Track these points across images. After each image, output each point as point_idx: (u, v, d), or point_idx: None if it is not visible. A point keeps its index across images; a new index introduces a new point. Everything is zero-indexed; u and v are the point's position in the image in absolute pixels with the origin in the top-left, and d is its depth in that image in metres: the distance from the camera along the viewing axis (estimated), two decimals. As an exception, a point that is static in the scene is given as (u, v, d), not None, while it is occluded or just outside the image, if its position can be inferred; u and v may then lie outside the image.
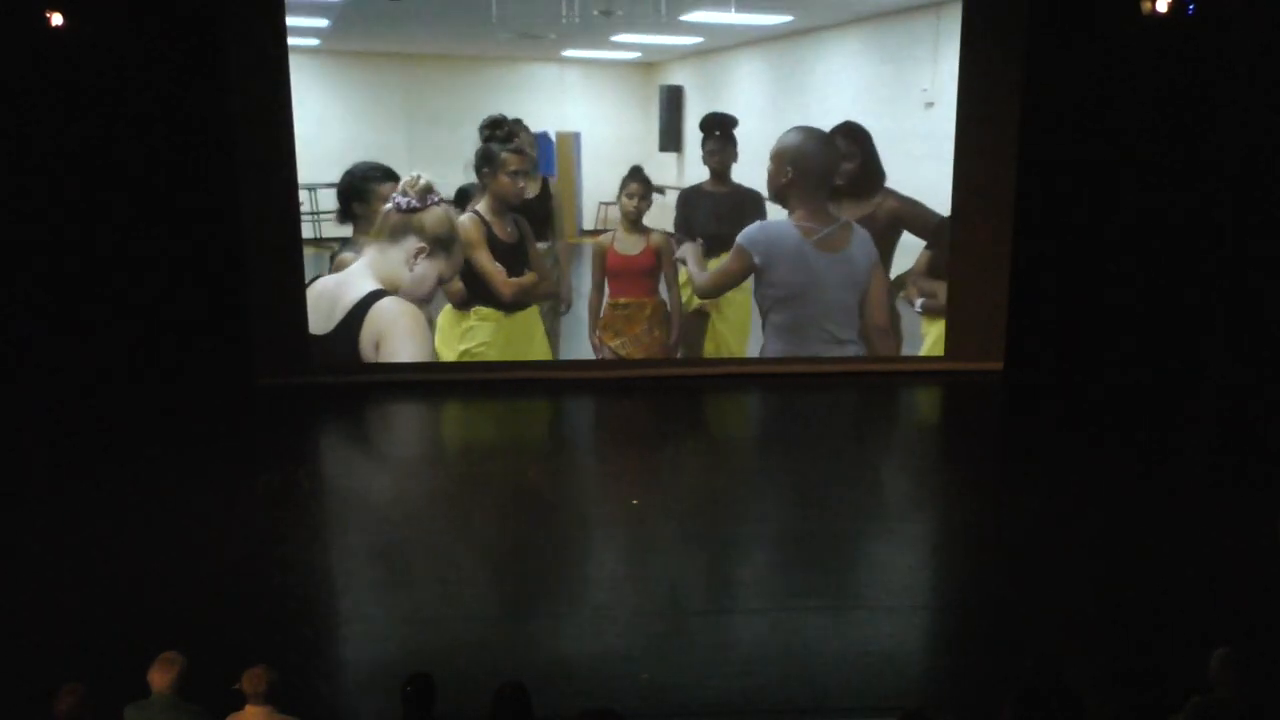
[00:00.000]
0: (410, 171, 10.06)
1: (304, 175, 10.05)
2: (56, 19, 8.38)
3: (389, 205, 10.08)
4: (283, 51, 9.72)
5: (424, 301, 10.30)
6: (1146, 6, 8.66)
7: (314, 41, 10.13)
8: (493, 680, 4.12)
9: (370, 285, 10.16)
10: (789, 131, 10.39)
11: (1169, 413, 9.13)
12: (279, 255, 9.99)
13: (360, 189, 10.12)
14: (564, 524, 7.35)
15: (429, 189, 10.08)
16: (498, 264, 10.29)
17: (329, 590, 6.58)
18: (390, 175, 10.09)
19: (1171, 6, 8.55)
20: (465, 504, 7.80)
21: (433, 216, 10.12)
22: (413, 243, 10.10)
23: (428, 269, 10.16)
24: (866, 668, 5.50)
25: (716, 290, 10.67)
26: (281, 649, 5.36)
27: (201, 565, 6.59)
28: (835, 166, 10.43)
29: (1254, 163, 8.87)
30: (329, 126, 10.07)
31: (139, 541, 6.93)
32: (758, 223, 10.48)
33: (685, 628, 5.95)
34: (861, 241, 10.54)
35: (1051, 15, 9.86)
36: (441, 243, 10.17)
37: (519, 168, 10.16)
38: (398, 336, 10.30)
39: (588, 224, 10.64)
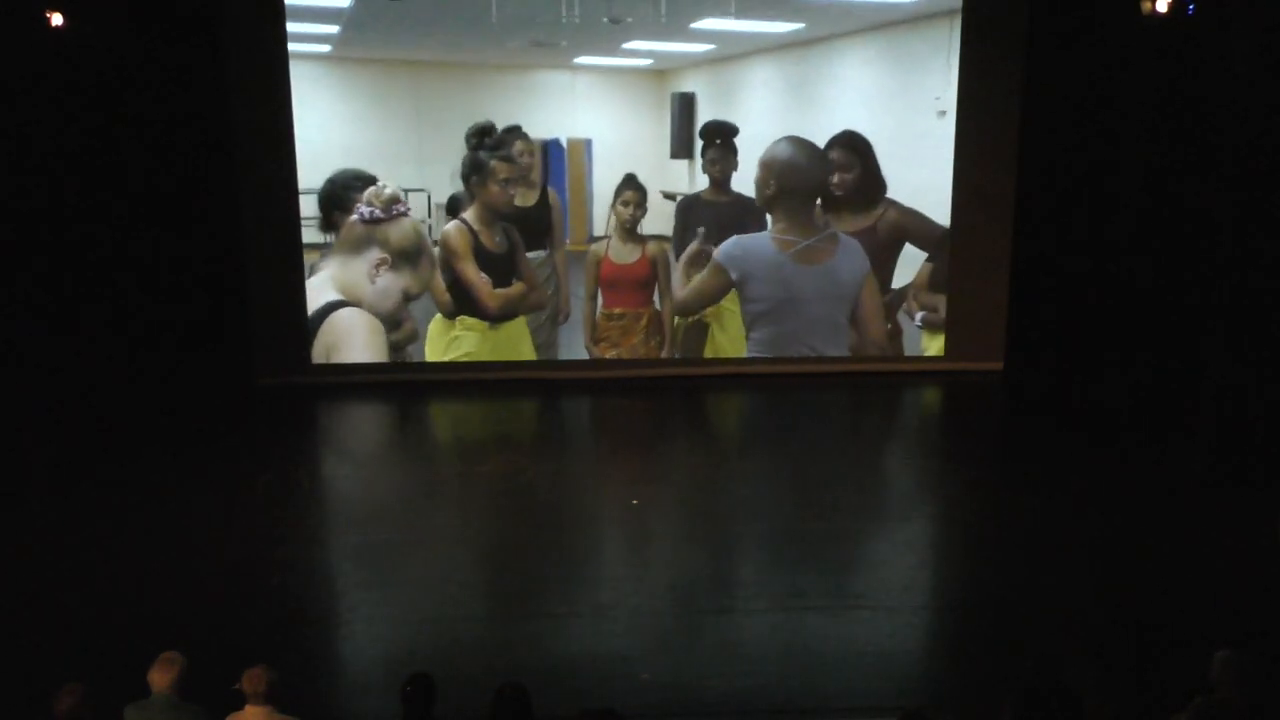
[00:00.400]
0: (419, 182, 9.96)
1: (315, 182, 9.98)
2: (56, 19, 8.37)
3: (353, 216, 9.96)
4: (283, 51, 9.70)
5: (390, 316, 10.13)
6: (1146, 6, 8.65)
7: (325, 48, 10.08)
8: (493, 680, 4.12)
9: (330, 296, 10.04)
10: (778, 141, 10.30)
11: (1169, 413, 9.13)
12: (279, 255, 9.97)
13: (342, 197, 9.99)
14: (564, 524, 7.35)
15: (394, 199, 9.93)
16: (484, 275, 10.19)
17: (329, 590, 6.59)
18: (374, 184, 9.98)
19: (1171, 6, 8.55)
20: (465, 504, 7.81)
21: (397, 228, 9.95)
22: (375, 254, 9.96)
23: (391, 282, 10.00)
24: (866, 668, 5.50)
25: (692, 308, 10.52)
26: (281, 649, 5.36)
27: (201, 565, 6.59)
28: (823, 180, 10.31)
29: (1254, 163, 8.87)
30: (339, 133, 9.98)
31: (139, 541, 6.93)
32: (735, 237, 10.37)
33: (685, 628, 5.95)
34: (849, 254, 10.40)
35: (1051, 16, 9.85)
36: (406, 256, 9.98)
37: (508, 176, 10.06)
38: (351, 346, 10.14)
39: (599, 230, 10.52)
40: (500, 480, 8.15)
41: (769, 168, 10.28)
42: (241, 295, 10.02)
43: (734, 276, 10.41)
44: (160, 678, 4.06)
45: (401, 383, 10.24)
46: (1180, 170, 9.50)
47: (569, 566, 6.73)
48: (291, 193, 9.93)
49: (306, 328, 10.12)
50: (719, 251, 10.36)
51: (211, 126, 9.68)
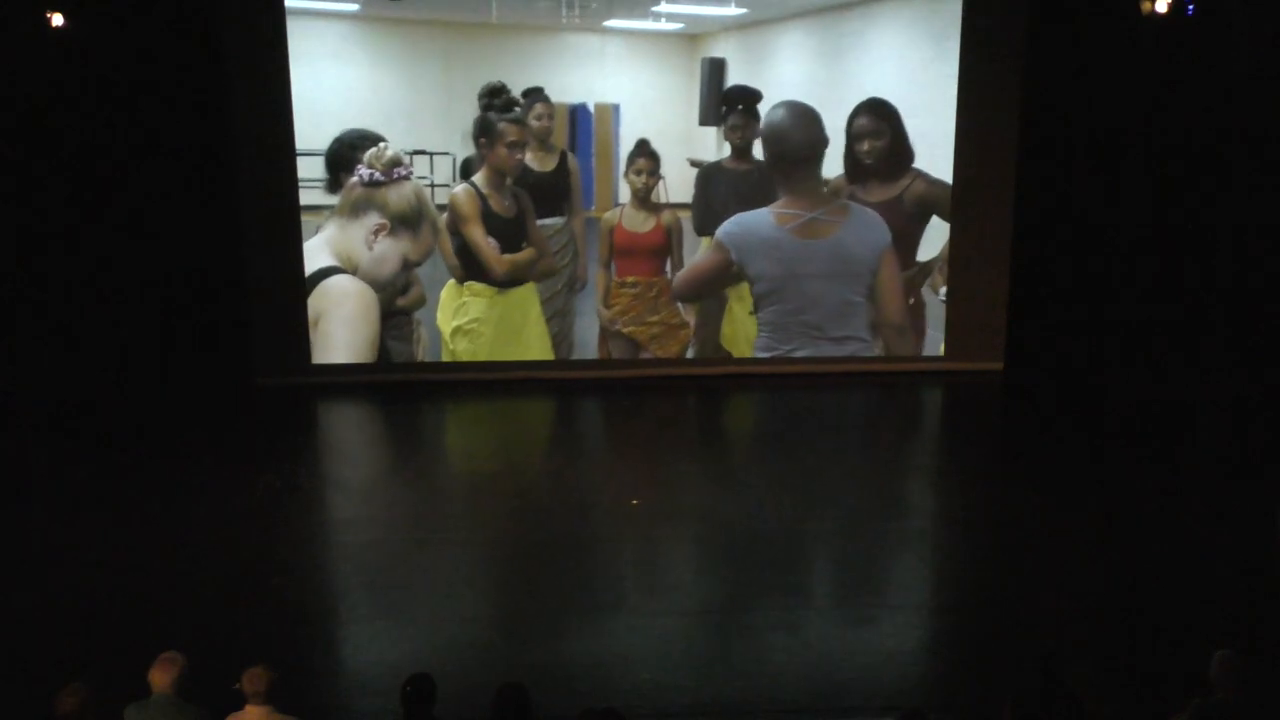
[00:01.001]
0: (445, 145, 9.78)
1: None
2: (57, 19, 8.37)
3: (353, 178, 9.76)
4: (283, 51, 9.69)
5: (388, 283, 9.93)
6: (1146, 6, 8.66)
7: (353, 7, 9.89)
8: (493, 680, 4.12)
9: (324, 261, 9.81)
10: (774, 107, 10.05)
11: (1169, 413, 9.13)
12: (279, 255, 9.96)
13: (349, 158, 9.80)
14: (565, 524, 7.35)
15: (396, 161, 9.68)
16: (492, 239, 10.00)
17: (329, 590, 6.58)
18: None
19: (1171, 6, 8.55)
20: (466, 504, 7.81)
21: (397, 192, 9.71)
22: (373, 219, 9.73)
23: (389, 249, 9.74)
24: (867, 668, 5.50)
25: (691, 292, 10.30)
26: (281, 649, 5.37)
27: (201, 565, 6.59)
28: (820, 147, 10.02)
29: (1254, 163, 8.87)
30: (365, 94, 9.81)
31: (139, 541, 6.93)
32: (738, 214, 10.13)
33: (685, 628, 5.95)
34: (861, 227, 10.05)
35: (1052, 15, 9.85)
36: (406, 221, 9.73)
37: (517, 139, 9.84)
38: (340, 318, 9.87)
39: (624, 197, 10.35)
40: (501, 480, 8.15)
41: (762, 135, 10.09)
42: (241, 295, 10.01)
43: (732, 256, 10.16)
44: (160, 678, 4.06)
45: (402, 383, 10.24)
46: (1180, 171, 9.50)
47: (570, 566, 6.73)
48: (292, 190, 9.92)
49: (307, 328, 10.10)
50: (720, 229, 10.12)
51: (212, 125, 9.68)
